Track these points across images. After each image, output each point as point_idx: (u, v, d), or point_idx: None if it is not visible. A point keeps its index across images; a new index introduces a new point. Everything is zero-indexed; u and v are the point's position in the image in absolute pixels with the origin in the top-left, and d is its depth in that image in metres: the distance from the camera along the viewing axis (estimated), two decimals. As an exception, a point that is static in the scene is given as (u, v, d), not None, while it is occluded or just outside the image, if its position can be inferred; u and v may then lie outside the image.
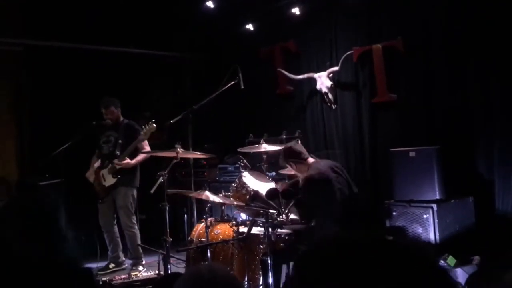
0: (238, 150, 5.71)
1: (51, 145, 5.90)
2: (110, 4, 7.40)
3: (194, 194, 4.58)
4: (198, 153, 5.08)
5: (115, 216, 5.99)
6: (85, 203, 6.18)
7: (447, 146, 5.37)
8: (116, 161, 5.71)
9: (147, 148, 5.87)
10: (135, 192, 5.95)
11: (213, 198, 4.43)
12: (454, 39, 5.54)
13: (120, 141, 5.85)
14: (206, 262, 4.30)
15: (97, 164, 6.01)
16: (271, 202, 4.21)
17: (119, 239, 6.04)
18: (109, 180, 5.81)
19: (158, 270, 4.81)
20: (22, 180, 6.76)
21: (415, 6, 5.85)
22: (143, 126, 5.64)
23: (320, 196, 4.34)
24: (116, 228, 6.01)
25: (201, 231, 4.86)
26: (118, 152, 5.81)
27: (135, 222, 5.96)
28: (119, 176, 5.78)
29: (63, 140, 5.81)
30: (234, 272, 4.46)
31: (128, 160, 5.73)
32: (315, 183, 4.39)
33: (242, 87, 5.45)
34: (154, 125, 5.54)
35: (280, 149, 4.87)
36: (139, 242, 5.91)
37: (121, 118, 6.01)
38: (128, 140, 5.83)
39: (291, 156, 4.59)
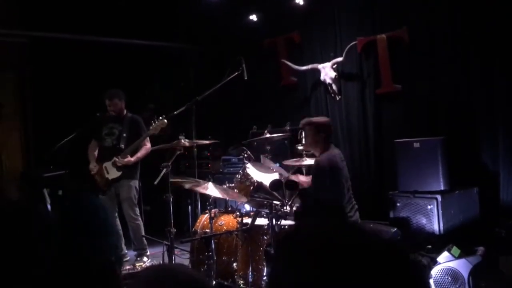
0: (242, 141, 5.70)
1: (56, 137, 5.90)
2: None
3: (198, 189, 4.48)
4: (200, 141, 5.02)
5: (117, 208, 5.99)
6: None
7: (451, 136, 5.36)
8: (117, 159, 5.70)
9: (148, 144, 5.88)
10: (137, 183, 5.95)
11: (214, 193, 4.28)
12: (458, 29, 5.51)
13: (124, 135, 5.84)
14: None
15: (96, 155, 6.00)
16: (275, 193, 4.21)
17: (121, 232, 6.05)
18: (113, 173, 5.81)
19: (163, 261, 4.82)
20: (25, 172, 6.78)
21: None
22: (152, 122, 5.60)
23: (327, 182, 4.36)
24: (118, 221, 6.02)
25: (205, 222, 4.87)
26: (122, 146, 5.80)
27: (138, 214, 5.97)
28: (123, 169, 5.77)
29: (67, 131, 5.82)
30: (238, 263, 4.47)
31: (129, 158, 5.73)
32: (325, 168, 4.42)
33: (246, 78, 5.42)
34: (165, 120, 5.49)
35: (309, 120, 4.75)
36: (143, 233, 5.92)
37: (125, 111, 5.99)
38: (132, 134, 5.82)
39: (323, 130, 4.59)
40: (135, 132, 5.84)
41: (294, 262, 0.93)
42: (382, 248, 0.93)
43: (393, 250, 0.93)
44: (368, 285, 0.87)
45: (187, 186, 4.40)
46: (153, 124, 5.54)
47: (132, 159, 5.75)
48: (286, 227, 4.15)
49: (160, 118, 5.51)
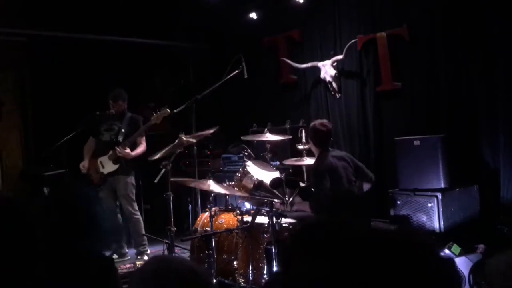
0: (242, 139, 5.70)
1: (55, 136, 5.90)
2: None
3: (196, 184, 4.52)
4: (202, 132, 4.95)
5: (117, 205, 5.99)
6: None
7: (452, 134, 5.35)
8: (118, 148, 5.69)
9: (144, 143, 5.89)
10: (133, 179, 5.94)
11: (216, 188, 4.36)
12: (458, 27, 5.50)
13: (123, 130, 5.85)
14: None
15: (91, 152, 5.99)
16: (275, 191, 4.21)
17: (122, 228, 6.05)
18: (109, 167, 5.79)
19: (163, 259, 4.82)
20: (25, 170, 6.78)
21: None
22: (153, 112, 5.59)
23: (324, 186, 4.34)
24: (120, 216, 6.02)
25: (205, 221, 4.87)
26: (120, 139, 5.81)
27: (137, 208, 5.96)
28: (120, 163, 5.76)
29: (67, 130, 5.81)
30: (238, 261, 4.47)
31: (129, 151, 5.73)
32: (319, 173, 4.40)
33: (246, 76, 5.42)
34: (168, 110, 5.49)
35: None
36: (143, 230, 5.92)
37: (126, 111, 6.02)
38: (131, 130, 5.83)
39: (313, 135, 4.63)
40: (134, 129, 5.84)
41: (309, 258, 0.92)
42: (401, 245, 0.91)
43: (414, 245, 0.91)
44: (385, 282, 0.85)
45: (191, 184, 4.43)
46: (155, 114, 5.52)
47: (132, 153, 5.76)
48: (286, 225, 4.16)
49: (162, 108, 5.51)
